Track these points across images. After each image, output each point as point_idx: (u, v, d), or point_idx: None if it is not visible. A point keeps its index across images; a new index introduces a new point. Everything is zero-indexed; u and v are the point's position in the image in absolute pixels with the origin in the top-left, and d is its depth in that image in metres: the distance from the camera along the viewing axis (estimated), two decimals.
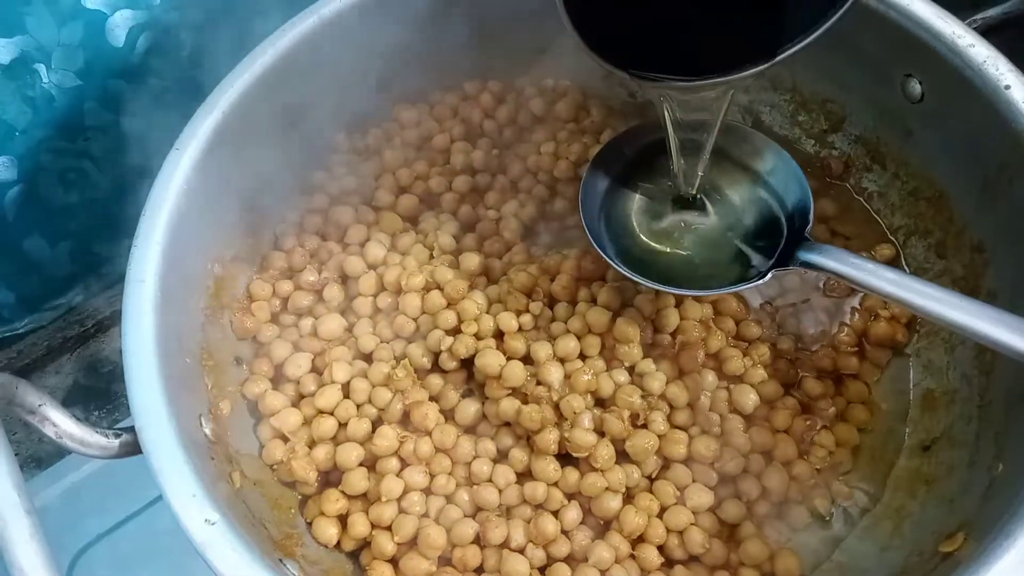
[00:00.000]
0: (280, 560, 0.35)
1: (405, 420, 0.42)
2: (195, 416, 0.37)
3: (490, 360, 0.41)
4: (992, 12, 0.43)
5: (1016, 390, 0.38)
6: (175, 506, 0.32)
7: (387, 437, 0.40)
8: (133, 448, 0.34)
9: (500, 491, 0.40)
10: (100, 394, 0.56)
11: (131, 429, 0.34)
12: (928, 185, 0.45)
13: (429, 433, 0.41)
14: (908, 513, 0.39)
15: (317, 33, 0.45)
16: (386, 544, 0.38)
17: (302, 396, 0.43)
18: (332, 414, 0.41)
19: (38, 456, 0.54)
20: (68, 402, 0.56)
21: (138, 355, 0.35)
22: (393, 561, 0.39)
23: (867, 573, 0.38)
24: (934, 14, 0.41)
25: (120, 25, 0.46)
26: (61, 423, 0.34)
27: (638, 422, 0.41)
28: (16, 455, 0.52)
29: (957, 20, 0.41)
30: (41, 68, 0.44)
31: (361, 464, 0.40)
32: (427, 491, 0.40)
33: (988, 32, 0.41)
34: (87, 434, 0.34)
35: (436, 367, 0.43)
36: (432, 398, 0.42)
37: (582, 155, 0.48)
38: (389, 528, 0.39)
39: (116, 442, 0.35)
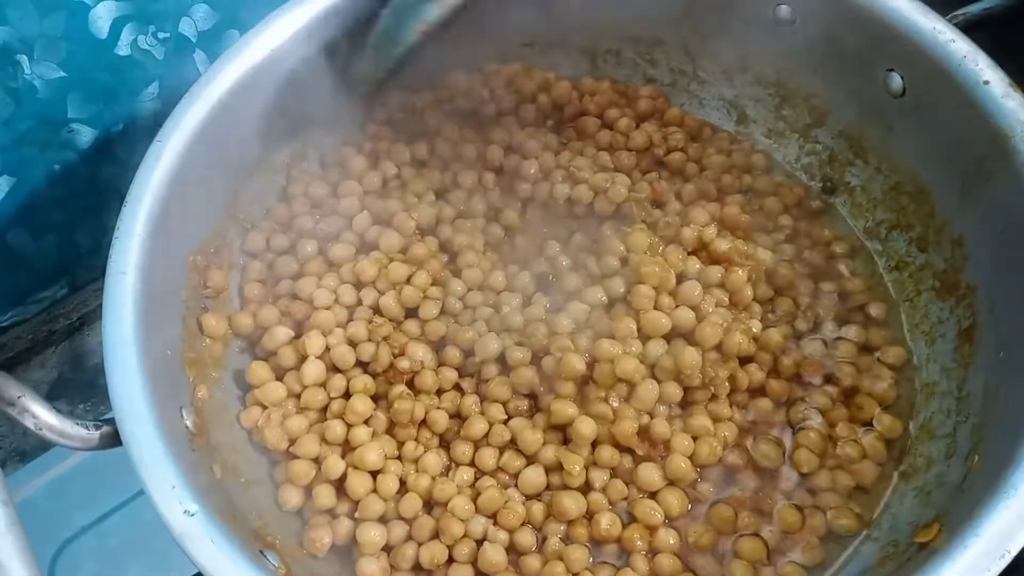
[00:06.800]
0: (260, 551, 0.35)
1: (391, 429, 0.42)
2: (176, 408, 0.37)
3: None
4: (973, 8, 0.43)
5: (993, 383, 0.38)
6: (155, 497, 0.32)
7: (370, 449, 0.40)
8: (114, 440, 0.34)
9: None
10: (85, 387, 0.56)
11: (112, 421, 0.34)
12: (909, 179, 0.45)
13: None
14: (887, 505, 0.40)
15: (306, 25, 0.45)
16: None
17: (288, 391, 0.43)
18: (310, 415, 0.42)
19: (22, 449, 0.53)
20: (53, 396, 0.55)
21: (119, 348, 0.35)
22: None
23: (846, 564, 0.38)
24: (915, 10, 0.41)
25: (103, 16, 0.45)
26: (41, 415, 0.34)
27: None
28: (0, 448, 0.53)
29: (938, 16, 0.41)
30: (23, 59, 0.44)
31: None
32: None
33: (969, 28, 0.41)
34: (67, 426, 0.34)
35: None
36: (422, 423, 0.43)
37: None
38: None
39: (96, 434, 0.35)
